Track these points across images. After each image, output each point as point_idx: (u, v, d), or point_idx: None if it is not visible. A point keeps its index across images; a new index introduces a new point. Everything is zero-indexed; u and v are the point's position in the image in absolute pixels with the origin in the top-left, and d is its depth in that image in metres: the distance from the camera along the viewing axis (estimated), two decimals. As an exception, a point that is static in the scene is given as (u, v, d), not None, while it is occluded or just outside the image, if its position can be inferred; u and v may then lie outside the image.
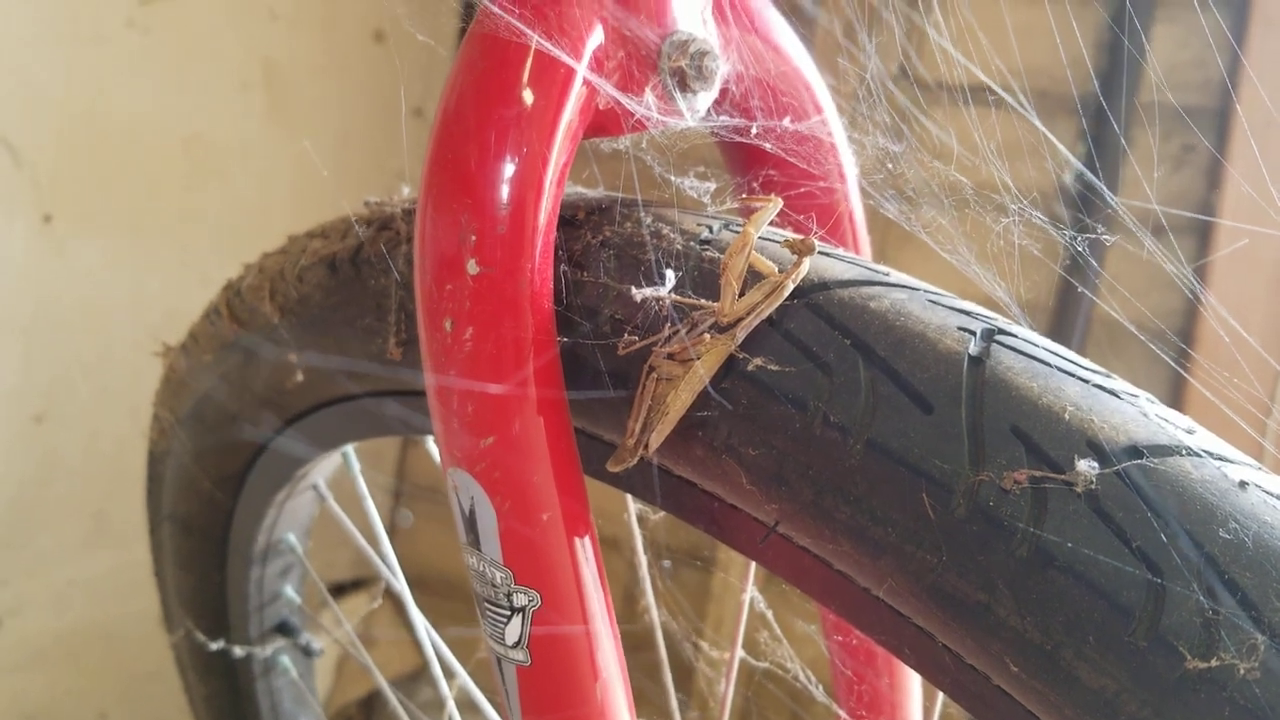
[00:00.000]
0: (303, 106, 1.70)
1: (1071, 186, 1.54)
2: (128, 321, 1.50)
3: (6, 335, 1.37)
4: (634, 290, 0.45)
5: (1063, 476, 0.37)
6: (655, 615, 0.67)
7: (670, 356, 0.43)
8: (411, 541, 2.02)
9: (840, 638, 0.63)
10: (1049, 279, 1.48)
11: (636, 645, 0.69)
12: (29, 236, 1.36)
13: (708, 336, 0.43)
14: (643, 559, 0.67)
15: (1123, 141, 1.39)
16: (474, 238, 0.43)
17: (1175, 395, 1.44)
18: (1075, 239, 0.45)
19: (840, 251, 0.48)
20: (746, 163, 0.57)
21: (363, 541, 0.78)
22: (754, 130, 0.50)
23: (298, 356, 0.63)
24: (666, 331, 0.44)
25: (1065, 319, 1.54)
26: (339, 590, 1.86)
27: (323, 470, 0.79)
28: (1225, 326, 1.49)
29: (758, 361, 0.43)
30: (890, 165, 0.53)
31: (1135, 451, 0.38)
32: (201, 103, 1.54)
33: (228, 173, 1.60)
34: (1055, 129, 1.45)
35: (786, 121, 0.52)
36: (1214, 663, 0.34)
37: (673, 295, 0.45)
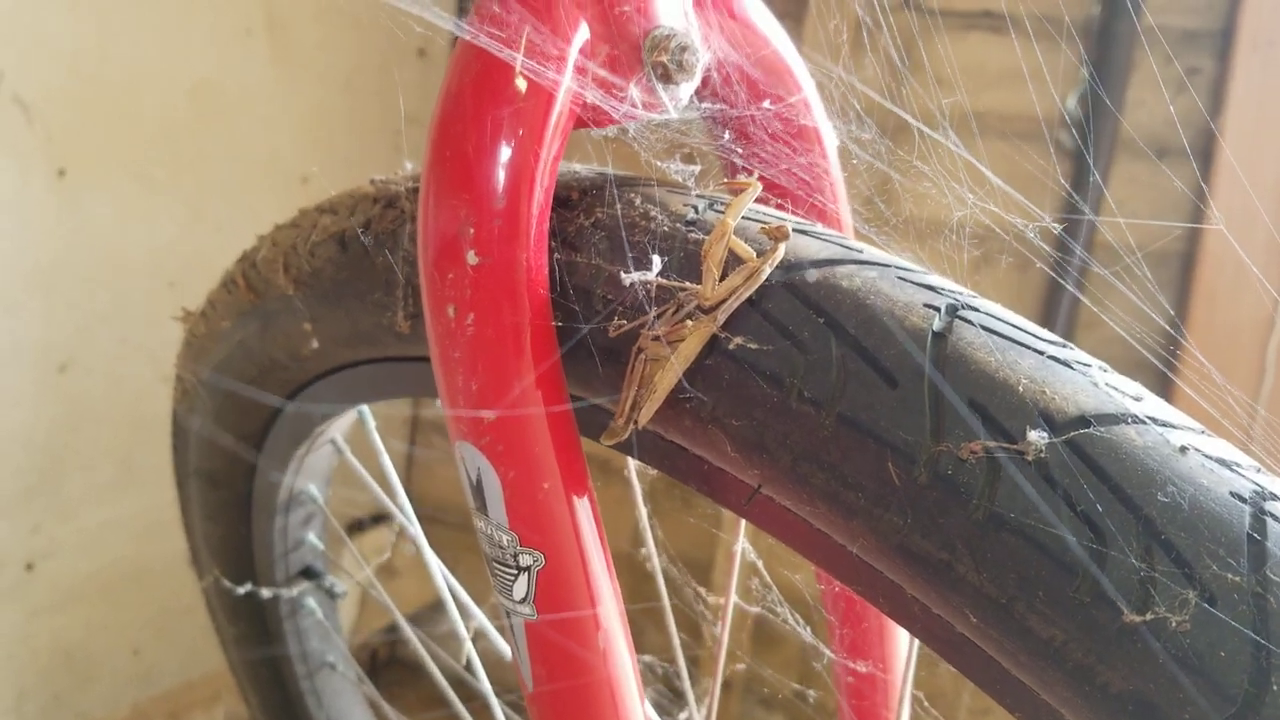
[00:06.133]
0: (306, 50, 1.71)
1: (1074, 112, 1.55)
2: (144, 271, 1.53)
3: (29, 288, 1.40)
4: (623, 275, 0.48)
5: (1014, 446, 0.41)
6: (656, 563, 0.71)
7: (657, 338, 0.46)
8: (430, 478, 2.07)
9: (827, 586, 0.68)
10: (1052, 204, 1.49)
11: (641, 591, 0.74)
12: (45, 191, 1.39)
13: (690, 321, 0.46)
14: (643, 510, 0.71)
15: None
16: (472, 230, 0.46)
17: (1180, 314, 1.47)
18: (1028, 227, 0.48)
19: (818, 229, 0.51)
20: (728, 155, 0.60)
21: (381, 493, 0.82)
22: (734, 115, 0.53)
23: (312, 326, 0.67)
24: (653, 314, 0.47)
25: (1065, 248, 1.56)
26: (360, 526, 1.92)
27: (339, 426, 0.82)
28: (1228, 248, 1.51)
29: (738, 341, 0.46)
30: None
31: (1083, 421, 0.41)
32: (206, 51, 1.56)
33: (235, 120, 1.62)
34: (1058, 54, 1.45)
35: (766, 104, 0.55)
36: (1149, 616, 0.38)
37: (659, 279, 0.48)
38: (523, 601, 0.51)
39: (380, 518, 1.92)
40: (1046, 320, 1.57)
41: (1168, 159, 1.56)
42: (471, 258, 0.46)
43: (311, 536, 0.92)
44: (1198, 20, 1.51)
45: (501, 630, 0.60)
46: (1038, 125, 1.47)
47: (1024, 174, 0.54)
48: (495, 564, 0.51)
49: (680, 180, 0.55)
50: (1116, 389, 0.43)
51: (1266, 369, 1.47)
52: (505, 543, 0.50)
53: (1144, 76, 1.55)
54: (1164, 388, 0.48)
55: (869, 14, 0.53)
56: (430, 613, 1.83)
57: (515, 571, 0.50)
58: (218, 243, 1.55)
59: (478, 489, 0.50)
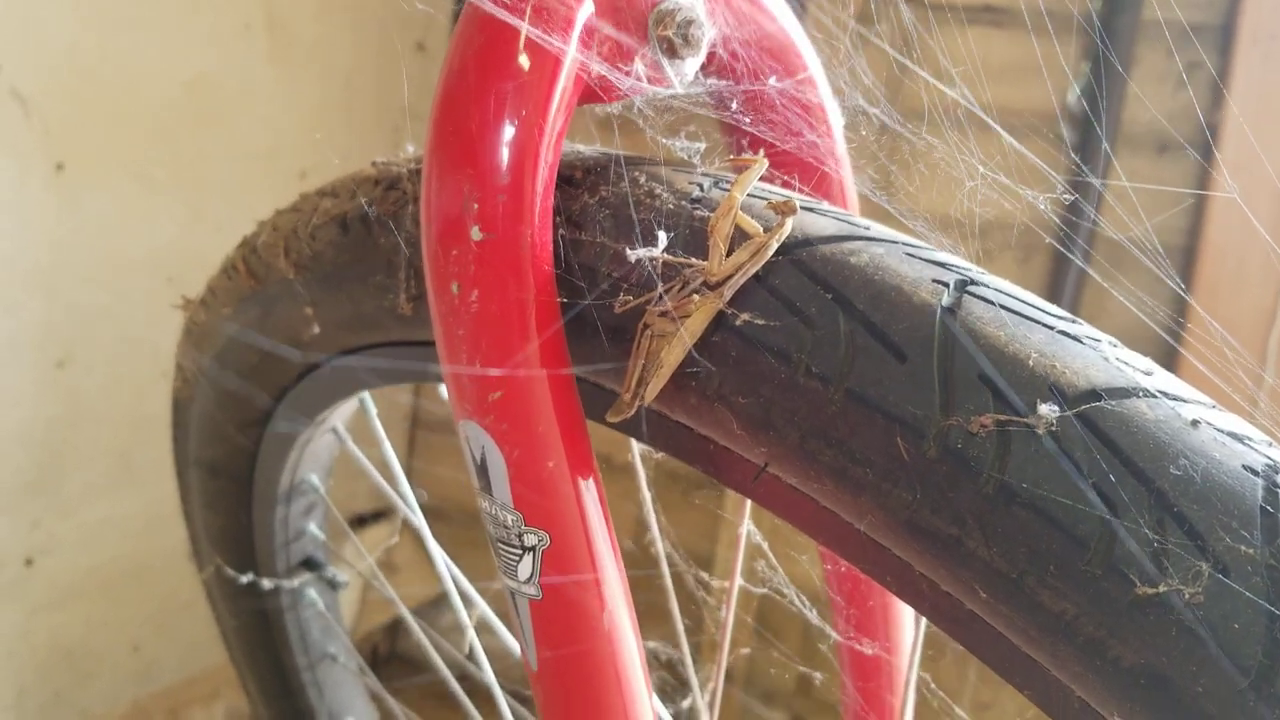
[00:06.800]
0: (305, 45, 1.71)
1: (1074, 106, 1.55)
2: (143, 266, 1.53)
3: (28, 284, 1.40)
4: (629, 251, 0.48)
5: (1025, 420, 0.40)
6: (660, 547, 0.70)
7: (663, 314, 0.46)
8: (432, 472, 2.07)
9: (831, 566, 0.67)
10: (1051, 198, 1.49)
11: (645, 575, 0.73)
12: (44, 186, 1.39)
13: (696, 297, 0.46)
14: (647, 494, 0.70)
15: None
16: (476, 206, 0.46)
17: (1182, 307, 1.47)
18: (1039, 199, 0.48)
19: (824, 205, 0.51)
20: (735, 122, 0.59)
21: (382, 481, 0.82)
22: (739, 92, 0.53)
23: (313, 310, 0.66)
24: (659, 290, 0.47)
25: (1068, 239, 1.56)
26: (361, 521, 1.91)
27: (341, 414, 0.82)
28: (1229, 242, 1.51)
29: (745, 317, 0.46)
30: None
31: (1094, 394, 0.41)
32: (204, 46, 1.56)
33: (233, 116, 1.62)
34: (1060, 49, 1.45)
35: (772, 80, 0.55)
36: (1161, 588, 0.37)
37: (665, 255, 0.48)
38: (527, 581, 0.50)
39: (381, 513, 1.92)
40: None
41: (1169, 153, 1.55)
42: (475, 234, 0.46)
43: (313, 527, 0.92)
44: (1199, 15, 1.51)
45: (504, 613, 0.60)
46: (1039, 119, 1.47)
47: (1028, 165, 0.53)
48: (500, 544, 0.51)
49: (685, 158, 0.55)
50: (1127, 363, 0.43)
51: (1268, 363, 1.47)
52: (510, 522, 0.50)
53: (1145, 71, 1.55)
54: (1171, 366, 0.47)
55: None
56: (431, 607, 1.82)
57: (520, 551, 0.50)
58: (216, 239, 1.54)
59: (481, 468, 0.50)
